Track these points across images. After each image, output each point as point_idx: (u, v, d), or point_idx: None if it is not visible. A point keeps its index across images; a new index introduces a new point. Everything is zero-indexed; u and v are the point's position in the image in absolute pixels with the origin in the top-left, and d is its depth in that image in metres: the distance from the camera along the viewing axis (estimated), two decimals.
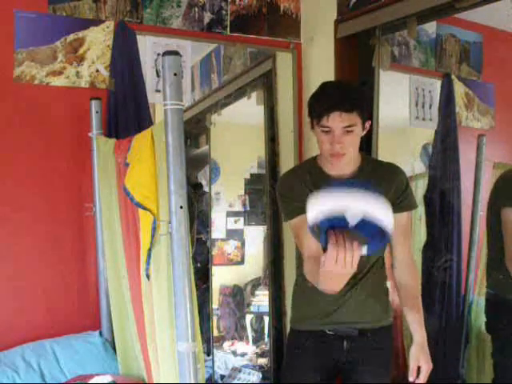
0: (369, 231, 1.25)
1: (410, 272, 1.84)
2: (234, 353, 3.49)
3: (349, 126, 1.64)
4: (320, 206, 1.27)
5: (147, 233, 1.50)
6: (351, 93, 1.68)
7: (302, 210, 1.43)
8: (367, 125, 1.72)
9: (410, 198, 1.79)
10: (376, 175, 1.76)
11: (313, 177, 1.76)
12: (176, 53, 1.36)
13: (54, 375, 1.96)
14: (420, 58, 2.88)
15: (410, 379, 1.73)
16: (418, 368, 1.78)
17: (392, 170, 1.81)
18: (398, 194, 1.75)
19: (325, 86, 1.74)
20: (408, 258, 1.83)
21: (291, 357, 1.90)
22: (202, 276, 3.33)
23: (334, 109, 1.63)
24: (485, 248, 2.68)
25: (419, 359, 1.77)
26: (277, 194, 1.85)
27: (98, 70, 2.26)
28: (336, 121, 1.63)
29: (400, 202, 1.75)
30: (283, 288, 2.78)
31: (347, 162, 1.73)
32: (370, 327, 1.80)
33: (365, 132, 1.73)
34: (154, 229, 1.47)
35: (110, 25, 2.27)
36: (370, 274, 1.80)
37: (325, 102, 1.66)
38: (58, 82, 2.19)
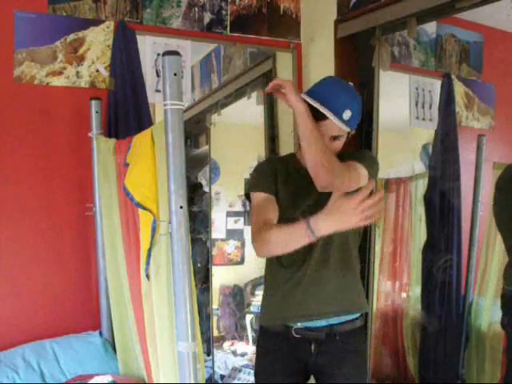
0: None
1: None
2: (234, 353, 3.49)
3: (337, 136, 1.72)
4: None
5: (147, 233, 1.50)
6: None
7: (271, 191, 1.75)
8: (353, 132, 1.77)
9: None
10: None
11: (288, 165, 1.84)
12: (176, 53, 1.36)
13: (54, 375, 1.96)
14: (420, 57, 2.88)
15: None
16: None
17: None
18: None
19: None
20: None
21: (261, 361, 1.90)
22: (202, 276, 3.33)
23: (326, 117, 1.67)
24: (485, 248, 2.68)
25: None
26: (249, 176, 1.88)
27: (97, 70, 2.26)
28: (326, 129, 1.68)
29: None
30: None
31: None
32: (340, 328, 1.78)
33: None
34: (154, 229, 1.47)
35: (109, 25, 2.27)
36: (340, 267, 1.79)
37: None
38: (57, 82, 2.19)
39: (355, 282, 1.86)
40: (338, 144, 1.74)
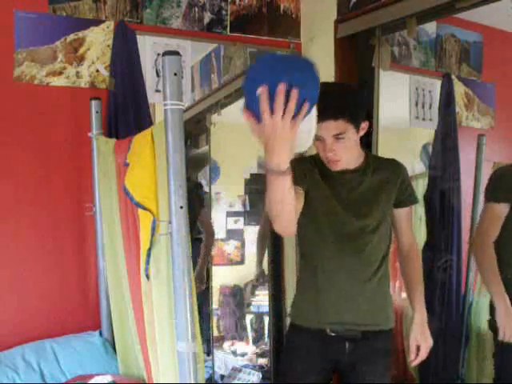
0: None
1: (415, 252, 1.91)
2: (234, 353, 3.50)
3: (338, 134, 1.64)
4: None
5: (147, 233, 1.50)
6: (336, 99, 1.63)
7: (301, 182, 1.65)
8: (364, 125, 1.70)
9: (412, 193, 1.89)
10: (382, 172, 1.81)
11: (319, 166, 1.78)
12: (176, 53, 1.36)
13: (54, 375, 1.96)
14: (420, 57, 2.88)
15: (411, 358, 1.74)
16: (418, 348, 1.79)
17: (396, 166, 1.87)
18: (403, 190, 1.84)
19: None
20: (412, 239, 1.93)
21: (291, 356, 1.89)
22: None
23: (321, 118, 1.58)
24: None
25: (418, 338, 1.78)
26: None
27: (98, 70, 2.26)
28: (324, 130, 1.62)
29: (405, 198, 1.85)
30: (283, 288, 2.78)
31: (346, 164, 1.74)
32: (371, 329, 1.80)
33: (362, 132, 1.72)
34: (154, 229, 1.47)
35: (109, 25, 2.27)
36: (375, 278, 1.80)
37: None
38: (57, 82, 2.19)
39: (389, 297, 1.88)
40: (345, 144, 1.66)
